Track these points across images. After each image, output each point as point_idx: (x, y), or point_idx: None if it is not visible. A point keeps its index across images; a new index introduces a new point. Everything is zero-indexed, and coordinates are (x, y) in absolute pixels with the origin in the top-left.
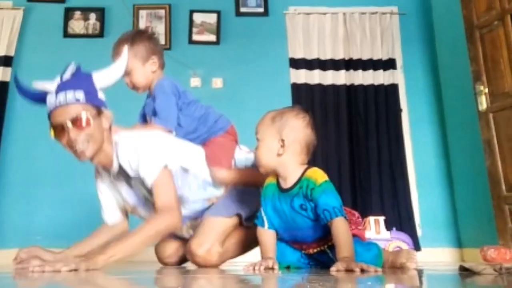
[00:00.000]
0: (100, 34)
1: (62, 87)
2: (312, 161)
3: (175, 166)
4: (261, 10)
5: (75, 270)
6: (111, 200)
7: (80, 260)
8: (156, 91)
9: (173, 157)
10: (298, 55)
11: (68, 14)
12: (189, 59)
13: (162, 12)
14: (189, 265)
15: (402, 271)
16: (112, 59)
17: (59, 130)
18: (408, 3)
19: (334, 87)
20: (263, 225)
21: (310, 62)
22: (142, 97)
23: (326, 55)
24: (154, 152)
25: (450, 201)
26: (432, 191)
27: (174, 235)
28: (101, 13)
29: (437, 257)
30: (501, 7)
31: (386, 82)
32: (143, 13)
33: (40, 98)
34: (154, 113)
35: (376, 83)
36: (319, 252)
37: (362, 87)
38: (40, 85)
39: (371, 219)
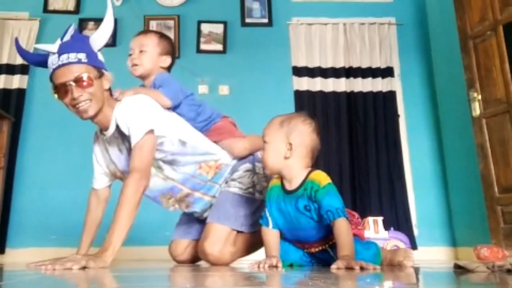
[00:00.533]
0: (113, 44)
1: (65, 48)
2: (314, 164)
3: (174, 137)
4: (266, 20)
5: (85, 268)
6: (102, 165)
7: (89, 259)
8: (159, 77)
9: (168, 127)
10: (301, 63)
11: (82, 24)
12: (197, 67)
13: (171, 22)
14: (202, 263)
15: (400, 269)
16: (134, 36)
17: (62, 89)
18: (405, 14)
19: (335, 94)
20: (267, 225)
21: (312, 70)
22: None
23: (327, 64)
24: (144, 116)
25: (445, 202)
26: (428, 192)
27: (184, 234)
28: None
29: (432, 255)
30: (494, 18)
31: (384, 89)
32: (153, 23)
33: (40, 60)
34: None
35: (374, 90)
36: (320, 251)
37: (361, 94)
38: (42, 46)
39: (370, 219)
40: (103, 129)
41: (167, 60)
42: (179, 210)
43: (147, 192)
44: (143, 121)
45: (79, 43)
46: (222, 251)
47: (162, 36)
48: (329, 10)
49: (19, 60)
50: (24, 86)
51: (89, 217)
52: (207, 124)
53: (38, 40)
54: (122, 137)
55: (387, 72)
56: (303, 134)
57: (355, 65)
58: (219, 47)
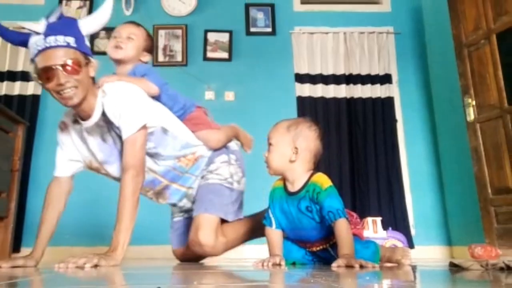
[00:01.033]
0: None
1: (52, 30)
2: (316, 167)
3: (157, 125)
4: (269, 30)
5: (97, 266)
6: (70, 154)
7: (101, 257)
8: (141, 67)
9: (156, 117)
10: (303, 70)
11: (94, 33)
12: (203, 74)
13: (179, 31)
14: (206, 261)
15: (398, 267)
16: (123, 23)
17: (47, 73)
18: (402, 23)
19: (335, 100)
20: (271, 225)
21: (313, 77)
22: None
23: (328, 71)
24: (138, 109)
25: (441, 203)
26: (424, 194)
27: (180, 243)
28: None
29: (429, 254)
30: (487, 27)
31: (383, 95)
32: (162, 32)
33: (21, 39)
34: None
35: (373, 96)
36: (321, 250)
37: (361, 99)
38: (26, 25)
39: (369, 219)
40: (84, 117)
41: (147, 57)
42: (155, 202)
43: None
44: (136, 115)
45: (68, 26)
46: (216, 242)
47: (149, 35)
48: (330, 19)
49: None
50: (39, 92)
51: (50, 210)
52: (183, 113)
53: None
54: (108, 125)
55: (385, 79)
56: (308, 140)
57: (355, 72)
58: (225, 55)
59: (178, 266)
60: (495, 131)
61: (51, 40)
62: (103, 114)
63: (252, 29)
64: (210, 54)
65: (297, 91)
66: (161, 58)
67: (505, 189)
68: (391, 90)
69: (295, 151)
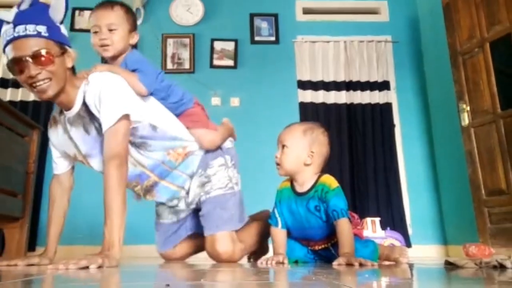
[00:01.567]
0: None
1: (22, 18)
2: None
3: (143, 120)
4: (273, 38)
5: (101, 266)
6: (58, 152)
7: (99, 257)
8: (132, 58)
9: (141, 112)
10: (305, 77)
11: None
12: (210, 81)
13: (187, 40)
14: (191, 259)
15: (396, 265)
16: (97, 8)
17: (17, 65)
18: (400, 32)
19: (336, 106)
20: (276, 225)
21: (315, 84)
22: None
23: (329, 78)
24: (118, 99)
25: (436, 204)
26: (421, 195)
27: (165, 245)
28: None
29: (425, 253)
30: (481, 36)
31: (381, 101)
32: (170, 41)
33: None
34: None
35: (372, 102)
36: (323, 248)
37: (360, 105)
38: None
39: (368, 220)
40: (64, 109)
41: (135, 37)
42: (144, 199)
43: None
44: (117, 105)
45: (39, 13)
46: (234, 251)
47: (127, 8)
48: (331, 29)
49: None
50: (39, 99)
51: (55, 208)
52: (179, 106)
53: None
54: (90, 116)
55: (383, 86)
56: (322, 145)
57: (354, 79)
58: (231, 62)
59: (180, 264)
60: (489, 135)
61: (20, 29)
62: (84, 104)
63: (257, 38)
64: (216, 62)
65: (300, 97)
66: (169, 65)
67: (498, 190)
68: (389, 96)
69: (311, 155)
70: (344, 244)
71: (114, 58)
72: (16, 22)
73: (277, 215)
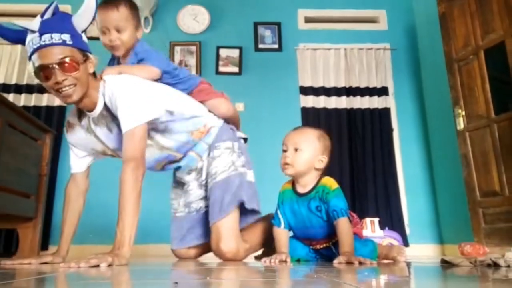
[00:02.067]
0: None
1: (47, 28)
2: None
3: (161, 111)
4: (276, 46)
5: (111, 265)
6: (79, 152)
7: (109, 256)
8: (140, 49)
9: (158, 106)
10: (307, 83)
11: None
12: (216, 87)
13: (193, 48)
14: (202, 259)
15: (394, 264)
16: (101, 7)
17: (44, 72)
18: (398, 40)
19: (336, 111)
20: (279, 225)
21: (316, 90)
22: None
23: (330, 84)
24: (135, 103)
25: (433, 205)
26: (418, 196)
27: (181, 243)
28: None
29: (422, 252)
30: (476, 44)
31: (380, 106)
32: (177, 48)
33: (18, 37)
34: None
35: (371, 107)
36: (324, 247)
37: (360, 110)
38: (21, 23)
39: (368, 220)
40: (87, 111)
41: (140, 31)
42: (164, 169)
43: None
44: (135, 111)
45: (63, 23)
46: (238, 250)
47: (131, 4)
48: (331, 37)
49: None
50: (65, 103)
51: (70, 209)
52: (188, 79)
53: None
54: (111, 115)
55: (382, 91)
56: (329, 152)
57: (354, 85)
58: (235, 69)
59: (189, 262)
60: (483, 139)
61: (46, 38)
62: (105, 105)
63: (260, 46)
64: (221, 69)
65: (302, 102)
66: None
67: (492, 192)
68: (388, 102)
69: (322, 160)
70: (344, 243)
71: (125, 55)
72: (42, 31)
73: (279, 216)
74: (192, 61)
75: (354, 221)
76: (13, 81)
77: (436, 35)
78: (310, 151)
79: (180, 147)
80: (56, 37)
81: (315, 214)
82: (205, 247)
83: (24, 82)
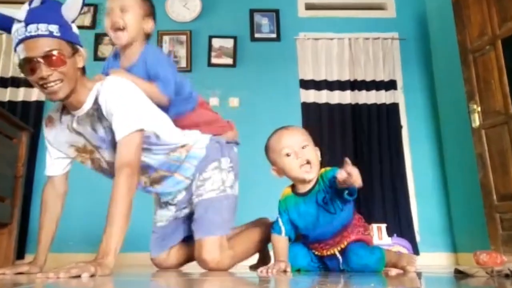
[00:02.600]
0: None
1: (34, 17)
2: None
3: (150, 130)
4: (274, 35)
5: (93, 275)
6: (55, 152)
7: (92, 265)
8: (151, 56)
9: (150, 122)
10: (308, 76)
11: (98, 39)
12: (208, 80)
13: (183, 37)
14: (185, 268)
15: (403, 274)
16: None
17: (28, 65)
18: (407, 29)
19: (340, 106)
20: (280, 233)
21: (318, 83)
22: None
23: (333, 77)
24: (133, 111)
25: (446, 209)
26: (429, 200)
27: (160, 248)
28: None
29: (434, 261)
30: (493, 33)
31: (388, 102)
32: (166, 38)
33: (4, 25)
34: (148, 76)
35: (378, 102)
36: (330, 255)
37: (366, 106)
38: (6, 11)
39: (374, 226)
40: (72, 109)
41: (150, 23)
42: (151, 189)
43: None
44: (132, 117)
45: (51, 12)
46: (222, 256)
47: None
48: (335, 25)
49: None
50: (43, 98)
51: (47, 214)
52: (187, 103)
53: None
54: (99, 116)
55: (390, 85)
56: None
57: (359, 78)
58: (230, 61)
59: (174, 273)
60: (501, 137)
61: (32, 28)
62: (95, 103)
63: (257, 35)
64: (214, 60)
65: (302, 97)
66: None
67: (510, 195)
68: (396, 96)
69: (318, 151)
70: None
71: (127, 47)
72: (28, 21)
73: (280, 224)
74: (182, 52)
75: (363, 224)
76: None
77: (449, 23)
78: (312, 145)
79: (161, 165)
80: (43, 28)
81: (324, 207)
82: (186, 255)
83: None
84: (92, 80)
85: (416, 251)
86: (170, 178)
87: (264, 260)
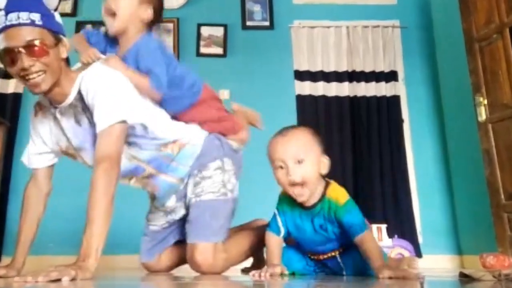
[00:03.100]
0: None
1: (14, 5)
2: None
3: (136, 122)
4: (267, 23)
5: (74, 279)
6: (40, 146)
7: (72, 269)
8: (145, 46)
9: (136, 113)
10: (303, 67)
11: (79, 27)
12: (196, 71)
13: (170, 25)
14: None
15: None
16: None
17: (8, 56)
18: (409, 16)
19: (337, 99)
20: (278, 233)
21: (314, 74)
22: None
23: (330, 68)
24: (116, 101)
25: (450, 209)
26: (432, 199)
27: (149, 254)
28: None
29: (437, 263)
30: (500, 20)
31: (388, 94)
32: None
33: None
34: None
35: (378, 94)
36: (329, 257)
37: (365, 98)
38: None
39: (374, 226)
40: (55, 103)
41: (148, 11)
42: (141, 187)
43: None
44: (114, 108)
45: (32, 0)
46: (215, 258)
47: None
48: (331, 12)
49: None
50: (20, 90)
51: (29, 214)
52: (184, 102)
53: None
54: (82, 105)
55: (391, 76)
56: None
57: (358, 69)
58: (220, 50)
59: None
60: (509, 131)
61: (13, 17)
62: (78, 92)
63: (249, 23)
64: (203, 50)
65: (297, 89)
66: None
67: None
68: (397, 88)
69: (325, 161)
70: (374, 258)
71: (122, 34)
72: (8, 9)
73: (279, 223)
74: (169, 40)
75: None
76: None
77: (453, 10)
78: (313, 157)
79: (151, 160)
80: (24, 16)
81: (320, 233)
82: (178, 258)
83: None
84: (76, 70)
85: (418, 253)
86: (160, 178)
87: (258, 264)
